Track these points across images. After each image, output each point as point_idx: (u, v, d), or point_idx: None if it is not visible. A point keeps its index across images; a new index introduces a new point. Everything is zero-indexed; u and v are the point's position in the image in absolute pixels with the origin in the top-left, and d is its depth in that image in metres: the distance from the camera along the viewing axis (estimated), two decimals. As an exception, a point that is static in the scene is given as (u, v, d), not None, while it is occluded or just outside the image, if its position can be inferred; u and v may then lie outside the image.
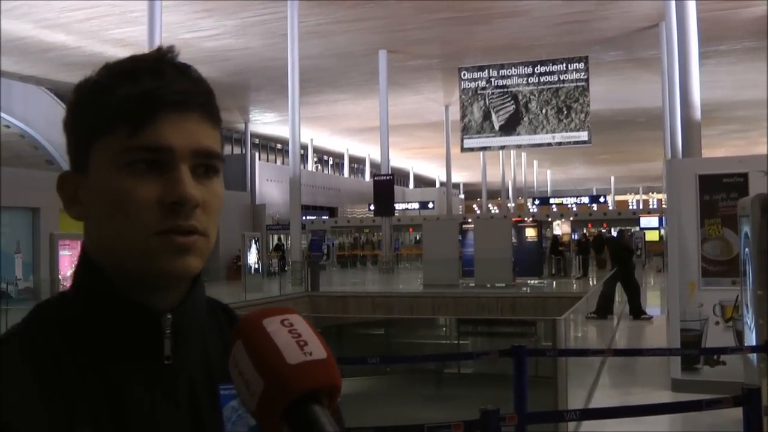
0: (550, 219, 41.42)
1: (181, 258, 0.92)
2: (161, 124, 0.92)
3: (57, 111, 34.91)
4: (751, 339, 7.20)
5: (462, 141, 32.01)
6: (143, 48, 21.99)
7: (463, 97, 31.52)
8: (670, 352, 8.39)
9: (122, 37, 27.68)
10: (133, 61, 0.97)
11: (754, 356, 6.87)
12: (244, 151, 46.15)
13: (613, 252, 18.93)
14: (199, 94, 0.96)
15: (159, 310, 0.95)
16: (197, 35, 27.58)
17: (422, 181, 79.49)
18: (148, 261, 0.92)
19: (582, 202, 66.20)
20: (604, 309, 16.20)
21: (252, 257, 25.15)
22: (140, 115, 0.92)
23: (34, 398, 0.87)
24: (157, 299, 0.95)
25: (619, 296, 17.66)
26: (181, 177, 0.92)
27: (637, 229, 42.22)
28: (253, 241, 25.71)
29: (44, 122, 34.28)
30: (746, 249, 7.40)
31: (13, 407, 0.85)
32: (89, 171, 0.96)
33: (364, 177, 66.42)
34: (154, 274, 0.93)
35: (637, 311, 16.64)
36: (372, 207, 37.16)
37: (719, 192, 9.04)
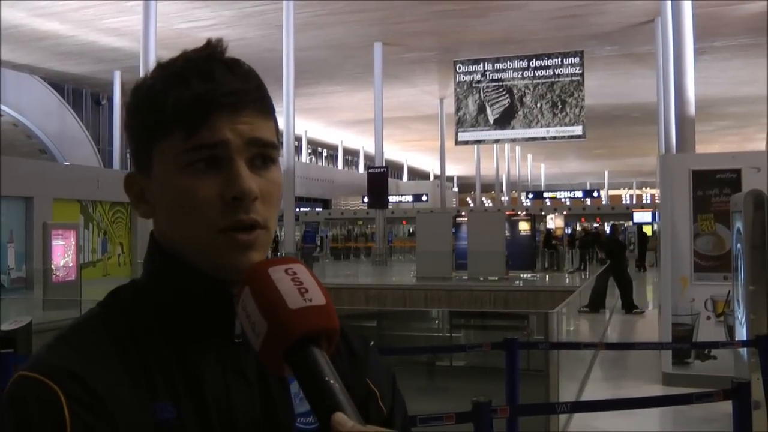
0: (543, 213, 41.51)
1: (244, 255, 0.97)
2: (214, 123, 0.95)
3: (50, 100, 34.84)
4: (741, 334, 7.24)
5: (456, 134, 32.01)
6: (138, 38, 22.06)
7: (458, 90, 31.52)
8: (662, 346, 8.43)
9: (117, 26, 27.60)
10: (184, 61, 1.00)
11: (744, 351, 6.91)
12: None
13: (605, 247, 18.99)
14: (250, 92, 0.99)
15: (230, 292, 0.99)
16: (193, 25, 27.51)
17: (416, 174, 79.50)
18: (215, 257, 0.97)
19: (576, 196, 66.39)
20: (596, 303, 16.26)
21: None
22: (194, 119, 0.95)
23: (118, 369, 0.91)
24: (228, 287, 0.99)
25: (612, 290, 17.72)
26: (239, 171, 0.95)
27: (631, 223, 42.30)
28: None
29: (37, 111, 34.18)
30: (738, 245, 7.44)
31: (99, 378, 0.89)
32: (152, 172, 0.99)
33: (358, 169, 66.44)
34: (221, 269, 0.97)
35: (629, 305, 16.73)
36: (366, 199, 37.17)
37: (712, 187, 9.07)
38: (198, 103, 0.95)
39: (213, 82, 0.96)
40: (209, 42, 1.01)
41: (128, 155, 1.05)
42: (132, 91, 1.03)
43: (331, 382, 0.82)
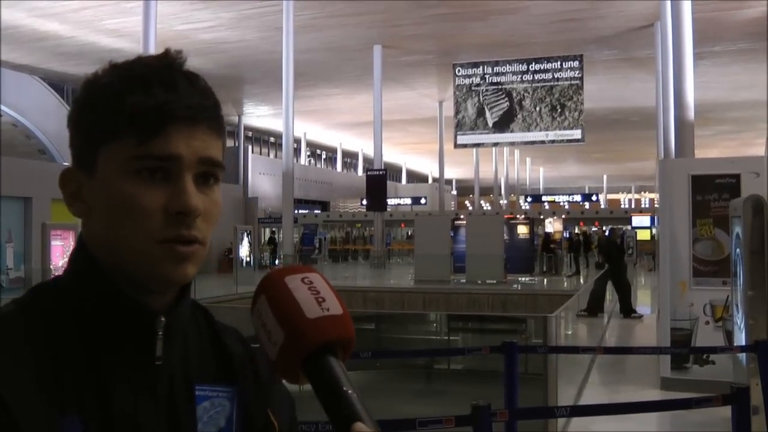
0: (542, 216, 41.51)
1: (180, 266, 0.95)
2: (170, 135, 0.94)
3: (50, 100, 34.83)
4: (740, 339, 7.25)
5: (455, 137, 32.02)
6: (138, 39, 22.06)
7: (457, 93, 31.53)
8: (661, 350, 8.44)
9: (117, 27, 27.59)
10: (144, 66, 0.98)
11: (743, 356, 6.91)
12: (237, 144, 46.07)
13: (604, 251, 18.99)
14: (207, 109, 0.98)
15: (153, 310, 0.98)
16: (192, 27, 27.52)
17: (415, 177, 79.51)
18: (149, 266, 0.95)
19: (574, 200, 66.39)
20: (594, 307, 16.26)
21: (244, 250, 25.16)
22: (151, 127, 0.94)
23: (30, 377, 0.89)
24: (150, 299, 0.98)
25: (610, 294, 17.73)
26: (186, 187, 0.95)
27: (629, 227, 42.33)
28: (245, 234, 25.73)
29: (37, 111, 34.16)
30: (737, 250, 7.44)
31: (9, 387, 0.86)
32: (95, 172, 0.97)
33: (356, 171, 66.44)
34: (153, 279, 0.96)
35: (627, 310, 16.73)
36: (364, 202, 37.18)
37: (711, 192, 9.08)
38: (157, 112, 0.94)
39: (175, 93, 0.95)
40: (168, 51, 1.00)
41: (71, 150, 1.02)
42: (84, 85, 1.00)
43: (350, 391, 0.82)
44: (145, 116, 0.94)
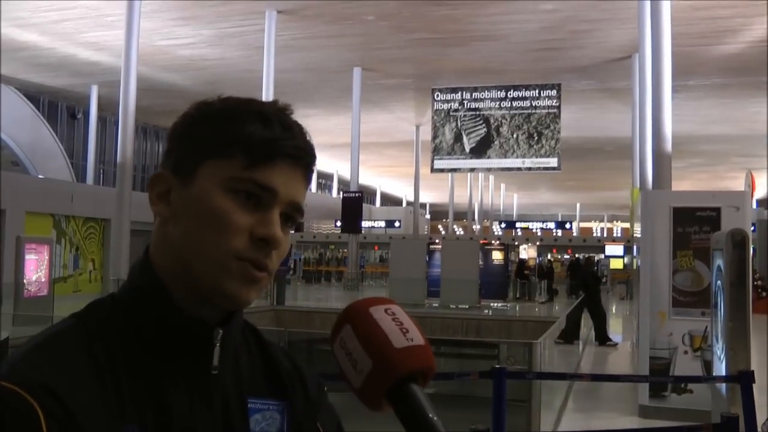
0: (516, 243, 41.71)
1: (247, 288, 1.01)
2: (276, 168, 1.02)
3: (25, 111, 34.48)
4: (720, 368, 7.32)
5: (432, 161, 32.15)
6: (118, 53, 21.84)
7: (435, 117, 31.68)
8: (646, 379, 8.52)
9: (97, 40, 27.45)
10: (261, 104, 1.07)
11: (722, 385, 6.98)
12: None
13: (580, 279, 19.12)
14: (309, 155, 1.07)
15: (209, 323, 1.03)
16: (173, 43, 27.46)
17: (389, 200, 79.60)
18: (219, 280, 1.00)
19: (547, 227, 66.77)
20: (570, 334, 16.34)
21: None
22: (262, 156, 1.01)
23: (92, 387, 0.93)
24: (207, 313, 1.03)
25: (585, 322, 17.82)
26: (275, 219, 1.02)
27: (602, 256, 42.65)
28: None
29: (11, 122, 33.74)
30: (719, 282, 7.53)
31: (74, 396, 0.90)
32: (193, 181, 1.02)
33: (331, 193, 66.40)
34: (218, 294, 1.01)
35: (602, 337, 16.83)
36: (338, 223, 37.14)
37: (692, 225, 9.21)
38: (271, 145, 1.02)
39: (290, 133, 1.04)
40: (277, 101, 1.09)
41: (167, 157, 1.08)
42: (198, 105, 1.07)
43: (435, 418, 0.84)
44: (259, 145, 1.01)
